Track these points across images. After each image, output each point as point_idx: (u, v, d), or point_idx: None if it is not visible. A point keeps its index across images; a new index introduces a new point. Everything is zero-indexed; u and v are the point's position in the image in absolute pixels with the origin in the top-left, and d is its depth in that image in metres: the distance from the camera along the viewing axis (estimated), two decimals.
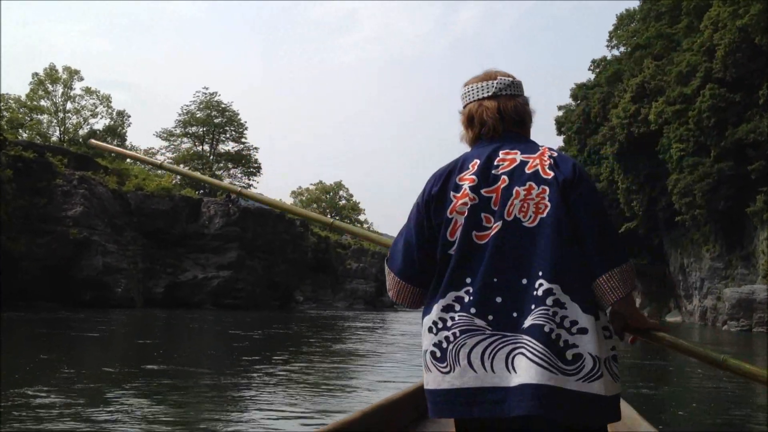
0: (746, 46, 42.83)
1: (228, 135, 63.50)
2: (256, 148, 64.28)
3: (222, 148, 63.35)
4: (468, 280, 1.77)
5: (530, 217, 1.77)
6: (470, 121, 2.00)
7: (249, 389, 9.17)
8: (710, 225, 48.17)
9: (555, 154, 1.86)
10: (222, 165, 62.66)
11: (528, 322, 1.69)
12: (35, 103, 52.22)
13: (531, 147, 1.90)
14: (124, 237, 31.06)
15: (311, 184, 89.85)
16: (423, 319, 1.86)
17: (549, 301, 1.68)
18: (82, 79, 54.91)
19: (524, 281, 1.73)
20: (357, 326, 26.91)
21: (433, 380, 1.78)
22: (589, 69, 69.26)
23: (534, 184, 1.79)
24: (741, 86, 44.07)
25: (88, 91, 55.90)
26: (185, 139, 62.63)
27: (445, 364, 1.75)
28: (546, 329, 1.66)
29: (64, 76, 54.31)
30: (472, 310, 1.74)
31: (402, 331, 25.20)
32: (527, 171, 1.81)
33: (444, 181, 1.89)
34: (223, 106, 61.95)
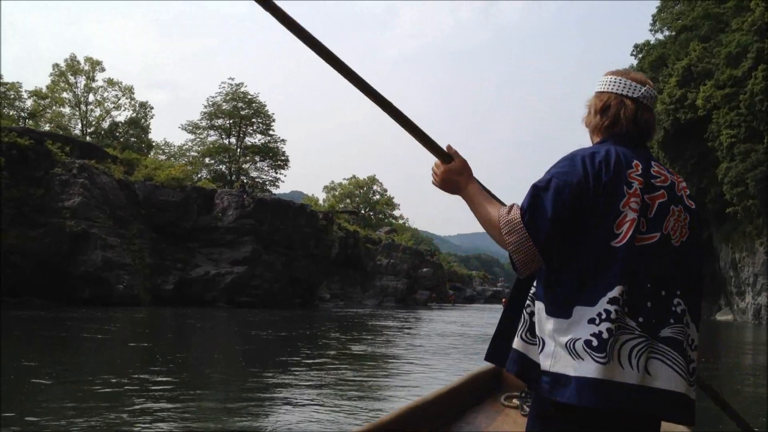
0: None
1: (255, 127, 61.66)
2: (283, 141, 62.39)
3: (249, 140, 61.58)
4: (628, 279, 1.79)
5: (677, 237, 1.87)
6: (604, 110, 2.00)
7: (263, 395, 8.60)
8: (764, 217, 45.21)
9: (686, 184, 1.99)
10: (249, 158, 60.92)
11: (666, 333, 1.80)
12: (56, 95, 50.95)
13: (665, 165, 1.98)
14: (129, 230, 29.25)
15: (344, 179, 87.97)
16: (574, 307, 1.81)
17: (685, 320, 1.84)
18: (104, 70, 53.69)
19: (663, 293, 1.83)
20: (385, 325, 24.99)
21: (584, 369, 1.76)
22: (632, 54, 66.37)
23: (682, 209, 1.90)
24: None
25: (110, 82, 54.65)
26: (211, 132, 60.94)
27: (603, 355, 1.75)
28: (683, 345, 1.81)
29: (86, 68, 53.16)
30: (626, 309, 1.79)
31: (434, 331, 23.21)
32: (677, 193, 1.91)
33: (616, 173, 1.85)
34: (249, 97, 60.08)
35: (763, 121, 42.12)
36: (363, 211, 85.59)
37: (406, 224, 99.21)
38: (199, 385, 9.25)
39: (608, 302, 1.78)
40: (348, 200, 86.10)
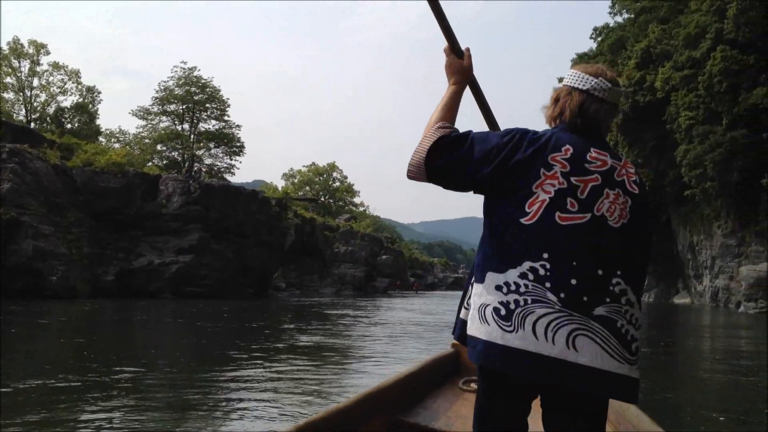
0: (760, 3, 39.56)
1: (209, 113, 59.89)
2: (238, 126, 60.78)
3: (203, 126, 59.80)
4: (545, 255, 1.87)
5: (615, 218, 1.91)
6: (555, 102, 2.12)
7: (210, 392, 7.90)
8: (722, 199, 45.11)
9: (634, 170, 2.03)
10: (203, 144, 59.17)
11: (600, 311, 1.84)
12: None
13: (614, 153, 2.03)
14: (66, 218, 27.53)
15: (304, 166, 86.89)
16: (486, 273, 1.95)
17: (623, 300, 1.87)
18: (48, 53, 51.36)
19: (600, 272, 1.86)
20: (342, 314, 24.19)
21: (489, 333, 1.89)
22: (591, 38, 66.08)
23: (621, 192, 1.94)
24: (755, 47, 40.96)
25: (55, 66, 52.38)
26: (163, 118, 58.98)
27: (509, 324, 1.86)
28: (618, 324, 1.85)
29: (30, 51, 50.85)
30: (547, 284, 1.85)
31: (393, 319, 22.47)
32: (616, 178, 1.96)
33: (534, 152, 1.96)
34: (203, 81, 58.23)
35: (721, 102, 41.76)
36: (322, 199, 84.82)
37: (367, 211, 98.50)
38: (139, 384, 8.33)
39: (519, 276, 1.88)
40: (307, 187, 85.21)
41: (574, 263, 1.86)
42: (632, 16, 59.46)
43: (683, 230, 53.99)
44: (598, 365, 1.81)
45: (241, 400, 7.33)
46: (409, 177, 2.12)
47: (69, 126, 52.50)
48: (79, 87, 54.46)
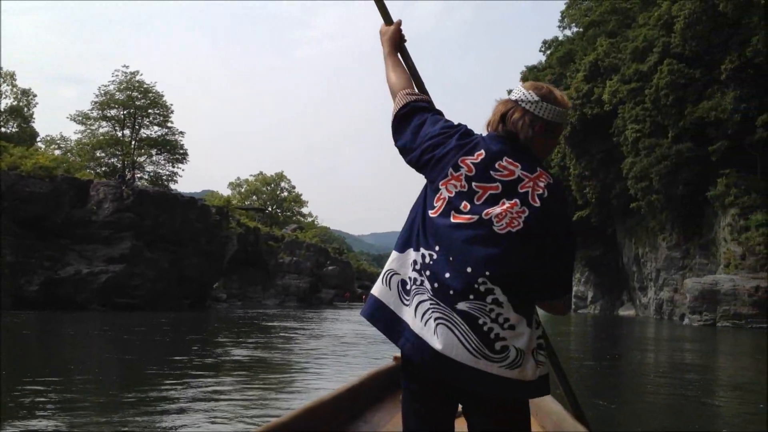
0: (707, 18, 39.81)
1: (152, 118, 57.99)
2: (182, 133, 59.03)
3: (144, 132, 57.89)
4: (436, 248, 1.97)
5: (503, 225, 1.93)
6: (493, 111, 2.17)
7: (134, 412, 7.23)
8: (667, 212, 45.37)
9: (550, 183, 2.00)
10: (144, 151, 57.24)
11: (462, 306, 1.89)
12: None
13: (531, 165, 2.02)
14: None
15: (251, 175, 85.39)
16: (401, 243, 2.08)
17: (489, 299, 1.89)
18: None
19: (469, 270, 1.91)
20: (283, 326, 23.52)
21: (388, 296, 2.02)
22: (540, 51, 66.31)
23: (518, 203, 1.96)
24: (701, 61, 41.27)
25: None
26: (103, 123, 56.83)
27: (408, 298, 1.98)
28: (480, 321, 1.88)
29: None
30: (428, 273, 1.95)
31: (336, 331, 21.90)
32: (519, 190, 1.97)
33: (451, 151, 2.06)
34: (145, 86, 56.30)
35: (667, 115, 41.90)
36: (270, 209, 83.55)
37: (315, 222, 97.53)
38: (60, 404, 7.60)
39: (421, 257, 1.99)
40: (254, 197, 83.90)
41: (451, 258, 1.94)
42: (581, 29, 59.72)
43: (629, 243, 54.19)
44: (452, 355, 1.87)
45: (169, 421, 6.86)
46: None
47: (3, 130, 50.20)
48: (14, 90, 52.22)
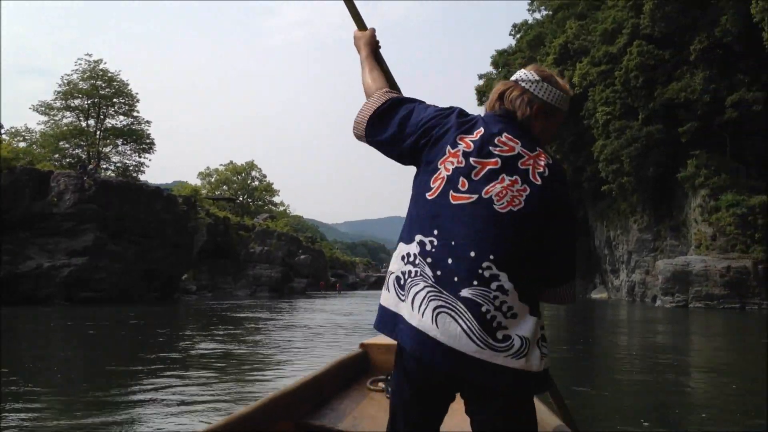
0: None
1: (117, 108, 56.76)
2: (148, 122, 57.89)
3: (109, 122, 56.66)
4: (435, 232, 1.90)
5: (503, 203, 1.88)
6: (492, 92, 2.14)
7: (97, 409, 7.03)
8: (638, 194, 45.39)
9: (550, 163, 1.97)
10: (109, 141, 56.07)
11: (465, 293, 1.82)
12: None
13: (531, 144, 1.99)
14: None
15: (221, 165, 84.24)
16: (399, 243, 2.01)
17: (493, 285, 1.82)
18: None
19: (472, 254, 1.84)
20: (254, 317, 23.03)
21: (389, 299, 1.95)
22: (510, 34, 65.94)
23: (519, 180, 1.91)
24: (670, 42, 41.21)
25: None
26: (67, 113, 55.53)
27: (403, 293, 1.91)
28: (483, 309, 1.80)
29: None
30: (429, 260, 1.88)
31: (307, 321, 21.44)
32: (520, 166, 1.93)
33: (449, 130, 2.01)
34: (110, 75, 55.06)
35: (637, 97, 41.85)
36: (241, 198, 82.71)
37: (288, 211, 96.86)
38: (17, 402, 7.25)
39: (416, 247, 1.92)
40: (225, 187, 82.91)
41: (453, 243, 1.87)
42: (550, 12, 59.52)
43: (600, 226, 54.26)
44: (455, 345, 1.80)
45: (134, 418, 6.62)
46: (355, 134, 2.21)
47: None
48: None
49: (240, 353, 12.57)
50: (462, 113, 2.08)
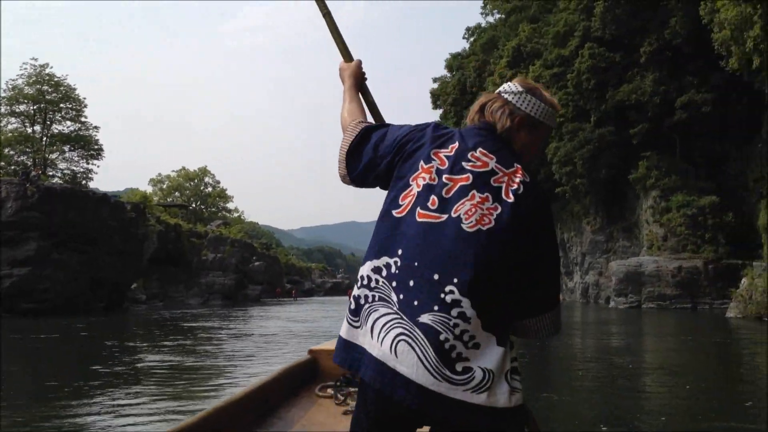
0: (626, 1, 40.14)
1: (64, 113, 55.23)
2: (96, 128, 56.43)
3: (56, 128, 55.08)
4: (399, 252, 1.78)
5: (472, 222, 1.74)
6: (474, 104, 2.04)
7: (41, 425, 7.00)
8: (591, 196, 45.73)
9: (527, 180, 1.80)
10: (56, 147, 54.49)
11: (425, 319, 1.69)
12: None
13: (508, 159, 1.84)
14: None
15: (173, 171, 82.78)
16: (364, 263, 1.89)
17: (454, 312, 1.68)
18: None
19: (435, 277, 1.71)
20: (204, 326, 22.68)
21: (343, 328, 1.85)
22: (464, 38, 66.17)
23: (490, 197, 1.77)
24: (621, 45, 41.63)
25: None
26: (12, 119, 53.83)
27: (357, 319, 1.80)
28: (442, 338, 1.67)
29: None
30: (393, 283, 1.76)
31: (259, 330, 21.04)
32: (492, 183, 1.79)
33: (424, 144, 1.91)
34: (56, 79, 53.63)
35: (589, 99, 42.19)
36: (194, 205, 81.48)
37: (242, 217, 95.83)
38: None
39: (373, 269, 1.81)
40: (177, 193, 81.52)
41: (416, 264, 1.74)
42: (503, 16, 59.85)
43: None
44: (413, 377, 1.67)
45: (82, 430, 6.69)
46: (340, 176, 2.13)
47: None
48: None
49: (190, 365, 12.31)
50: (438, 127, 1.99)
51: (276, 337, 17.92)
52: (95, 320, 25.92)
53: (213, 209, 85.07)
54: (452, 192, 1.79)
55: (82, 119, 55.87)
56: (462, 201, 1.77)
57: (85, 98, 55.64)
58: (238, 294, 51.02)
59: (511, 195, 1.76)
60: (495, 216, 1.74)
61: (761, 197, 34.32)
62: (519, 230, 1.74)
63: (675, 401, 8.43)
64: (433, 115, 63.00)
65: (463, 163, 1.83)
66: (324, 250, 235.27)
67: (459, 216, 1.75)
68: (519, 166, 1.83)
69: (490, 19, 64.45)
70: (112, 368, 11.95)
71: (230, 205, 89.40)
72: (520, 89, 1.93)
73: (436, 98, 64.36)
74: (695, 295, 34.09)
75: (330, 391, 3.68)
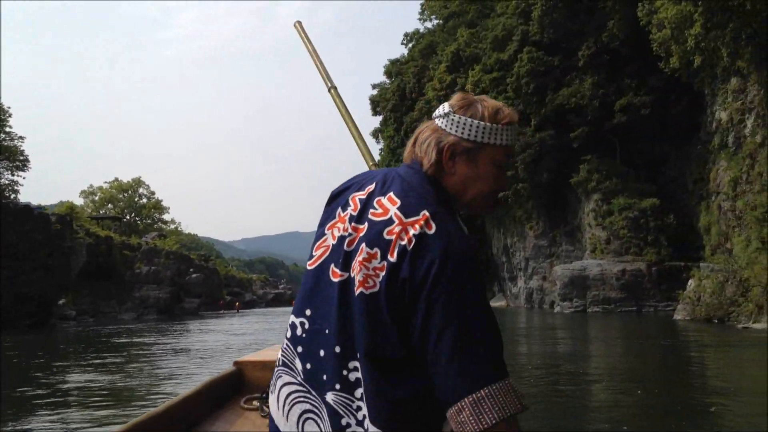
0: (563, 4, 40.13)
1: None
2: (21, 138, 54.03)
3: None
4: (308, 312, 1.57)
5: (357, 283, 1.48)
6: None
7: None
8: (533, 200, 45.56)
9: (425, 233, 1.44)
10: None
11: (329, 398, 1.49)
12: None
13: (417, 205, 1.50)
14: None
15: (105, 182, 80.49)
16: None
17: (358, 392, 1.45)
18: None
19: (337, 349, 1.49)
20: (137, 342, 21.61)
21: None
22: (402, 44, 65.81)
23: (379, 255, 1.47)
24: (560, 48, 41.60)
25: None
26: None
27: (273, 386, 1.62)
28: (343, 422, 1.47)
29: None
30: (298, 349, 1.57)
31: (199, 345, 20.07)
32: (385, 236, 1.48)
33: (349, 187, 1.68)
34: None
35: (529, 103, 42.00)
36: (128, 217, 79.21)
37: (179, 229, 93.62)
38: None
39: (289, 329, 1.62)
40: (110, 205, 79.29)
41: (327, 331, 1.52)
42: (441, 21, 59.69)
43: (497, 233, 54.41)
44: None
45: None
46: None
47: None
48: None
49: (118, 384, 11.80)
50: (375, 167, 1.80)
51: (211, 352, 17.16)
52: (20, 339, 24.63)
53: (148, 221, 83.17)
54: (353, 245, 1.53)
55: (7, 129, 53.44)
56: (356, 257, 1.50)
57: (9, 107, 53.29)
58: (175, 307, 49.34)
59: (395, 253, 1.44)
60: (380, 279, 1.45)
61: (701, 199, 34.58)
62: (402, 296, 1.41)
63: (627, 406, 8.30)
64: (373, 122, 62.45)
65: (369, 211, 1.55)
66: (266, 260, 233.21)
67: (353, 276, 1.49)
68: (427, 213, 1.47)
69: (429, 24, 64.37)
70: (35, 390, 11.24)
71: (166, 217, 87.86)
72: (447, 109, 1.58)
73: (376, 105, 63.77)
74: (640, 298, 34.04)
75: (256, 403, 3.50)
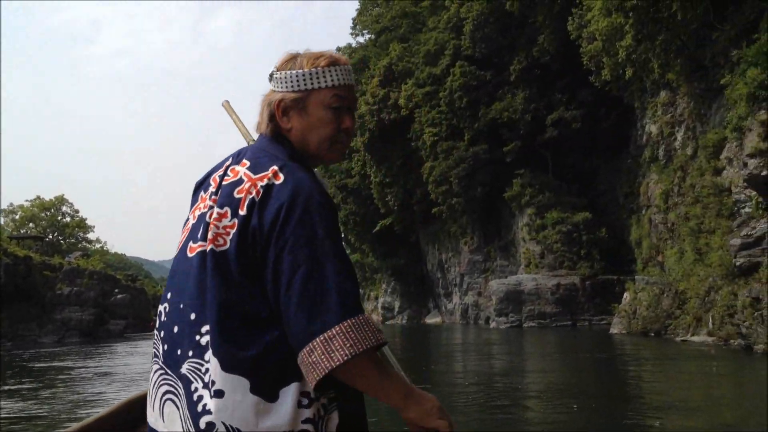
0: (495, 19, 40.20)
1: None
2: None
3: None
4: (169, 296, 1.53)
5: (207, 243, 1.45)
6: None
7: None
8: (467, 215, 45.34)
9: (274, 183, 1.43)
10: None
11: (184, 369, 1.45)
12: None
13: (267, 162, 1.49)
14: None
15: (27, 201, 77.45)
16: None
17: (206, 356, 1.41)
18: None
19: (192, 316, 1.45)
20: (58, 367, 20.24)
21: None
22: None
23: (229, 213, 1.46)
24: (491, 63, 41.68)
25: None
26: None
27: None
28: (192, 387, 1.42)
29: None
30: (161, 333, 1.53)
31: (122, 368, 18.88)
32: (235, 195, 1.47)
33: (207, 175, 1.64)
34: None
35: (462, 118, 41.89)
36: (50, 236, 76.19)
37: (105, 248, 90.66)
38: None
39: (156, 320, 1.58)
40: (32, 224, 76.25)
41: (181, 305, 1.48)
42: (373, 36, 59.45)
43: (432, 249, 54.10)
44: None
45: None
46: None
47: None
48: None
49: (31, 409, 11.07)
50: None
51: (136, 375, 16.23)
52: None
53: (72, 240, 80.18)
54: (213, 215, 1.48)
55: None
56: (211, 222, 1.47)
57: None
58: (99, 330, 47.16)
59: (246, 207, 1.43)
60: (230, 236, 1.43)
61: (632, 212, 34.87)
62: (254, 248, 1.39)
63: (564, 422, 8.21)
64: None
65: (224, 179, 1.52)
66: None
67: (212, 245, 1.45)
68: (275, 167, 1.46)
69: (361, 39, 64.08)
70: None
71: (91, 236, 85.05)
72: (271, 71, 1.60)
73: None
74: (574, 312, 34.00)
75: None
